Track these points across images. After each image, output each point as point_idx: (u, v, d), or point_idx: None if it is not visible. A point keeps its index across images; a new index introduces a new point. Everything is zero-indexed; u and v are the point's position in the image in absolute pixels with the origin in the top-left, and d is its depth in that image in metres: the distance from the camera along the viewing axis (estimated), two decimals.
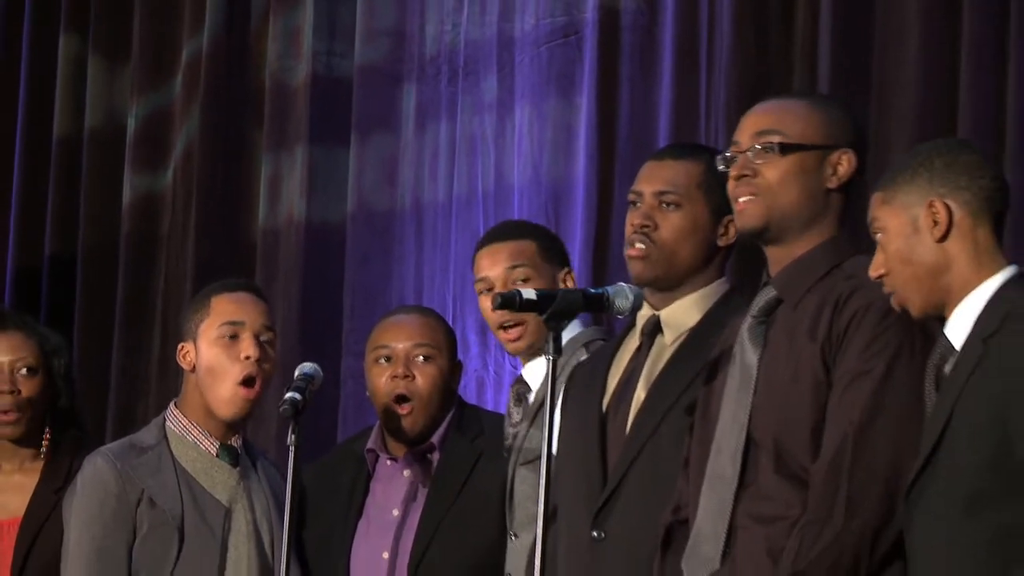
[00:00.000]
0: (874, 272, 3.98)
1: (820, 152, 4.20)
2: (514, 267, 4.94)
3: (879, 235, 4.00)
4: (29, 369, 5.39)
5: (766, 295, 4.18)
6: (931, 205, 3.99)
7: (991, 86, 4.87)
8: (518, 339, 4.92)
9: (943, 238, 3.96)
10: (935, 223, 3.97)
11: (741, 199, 4.20)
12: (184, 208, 6.89)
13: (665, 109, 5.67)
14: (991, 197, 4.03)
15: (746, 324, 4.17)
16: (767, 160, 4.18)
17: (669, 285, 4.47)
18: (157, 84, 7.08)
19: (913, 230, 3.98)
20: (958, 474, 3.89)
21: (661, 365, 4.44)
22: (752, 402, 4.09)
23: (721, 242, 4.49)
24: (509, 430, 4.94)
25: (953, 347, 3.98)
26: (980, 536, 3.85)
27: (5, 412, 5.35)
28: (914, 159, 4.14)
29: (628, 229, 4.49)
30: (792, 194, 4.19)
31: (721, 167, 4.25)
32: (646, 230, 4.45)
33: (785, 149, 4.18)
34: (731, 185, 4.21)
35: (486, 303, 4.94)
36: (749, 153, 4.19)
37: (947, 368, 3.97)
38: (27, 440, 5.41)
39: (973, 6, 4.94)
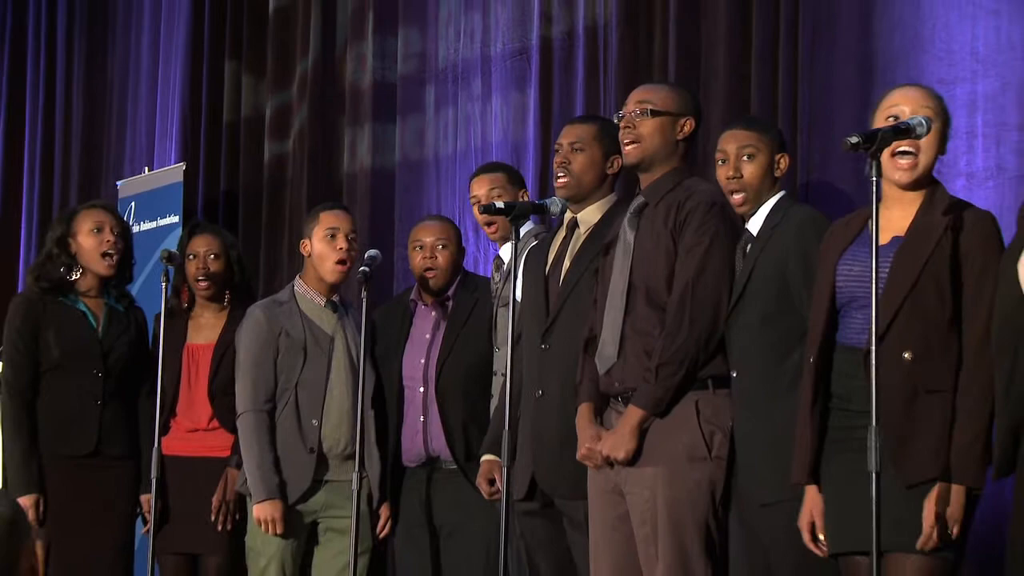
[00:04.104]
0: (746, 175, 4.01)
1: (673, 117, 4.17)
2: (492, 189, 4.92)
3: (750, 156, 4.02)
4: (215, 256, 5.34)
5: (638, 201, 4.17)
6: (782, 157, 4.05)
7: (769, 81, 4.86)
8: (495, 232, 4.91)
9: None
10: (780, 167, 4.05)
11: (626, 142, 4.18)
12: (300, 163, 6.83)
13: (579, 97, 5.63)
14: None
15: (626, 218, 4.16)
16: (642, 119, 4.15)
17: (579, 199, 4.42)
18: (282, 89, 7.02)
19: (773, 165, 4.03)
20: (757, 303, 3.93)
21: (578, 246, 4.40)
22: (631, 263, 4.08)
23: (610, 172, 4.44)
24: (493, 286, 4.93)
25: (752, 235, 4.01)
26: (769, 337, 3.90)
27: (201, 281, 5.32)
28: (768, 122, 4.33)
29: (555, 166, 4.47)
30: (655, 142, 4.16)
31: (616, 120, 4.23)
32: (564, 166, 4.42)
33: (654, 113, 4.15)
34: (621, 133, 4.18)
35: (476, 211, 4.97)
36: (632, 114, 4.16)
37: (748, 247, 4.00)
38: (216, 300, 5.36)
39: (759, 30, 4.92)
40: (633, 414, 3.98)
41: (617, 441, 3.98)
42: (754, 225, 4.02)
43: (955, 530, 3.40)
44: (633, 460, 3.98)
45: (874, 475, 3.27)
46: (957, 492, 3.40)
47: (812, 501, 3.61)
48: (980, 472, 3.39)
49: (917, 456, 3.43)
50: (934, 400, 3.44)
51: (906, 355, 3.44)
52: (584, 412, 4.14)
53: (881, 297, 3.44)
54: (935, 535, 3.39)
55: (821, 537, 3.60)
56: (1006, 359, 3.26)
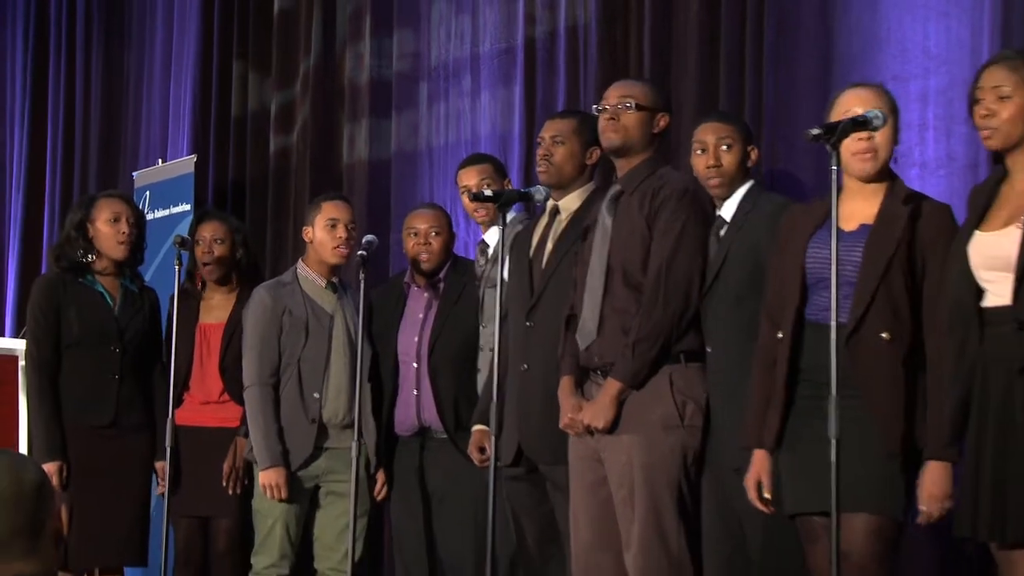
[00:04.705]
0: (725, 163, 4.01)
1: (652, 112, 4.16)
2: (482, 179, 4.91)
3: (728, 146, 4.01)
4: (220, 240, 5.34)
5: (615, 189, 4.17)
6: (752, 149, 4.09)
7: (737, 78, 4.87)
8: (484, 218, 4.90)
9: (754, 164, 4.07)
10: (751, 157, 4.06)
11: (609, 132, 4.16)
12: (303, 154, 6.81)
13: (561, 93, 5.63)
14: None
15: (604, 205, 4.15)
16: (626, 112, 4.14)
17: (560, 187, 4.42)
18: (286, 86, 6.99)
19: (745, 155, 4.06)
20: (731, 285, 3.94)
21: (560, 231, 4.39)
22: (608, 247, 4.08)
23: (588, 162, 4.44)
24: (478, 269, 4.92)
25: (725, 220, 4.02)
26: (741, 317, 3.89)
27: (207, 264, 5.33)
28: (738, 116, 4.32)
29: (538, 157, 4.46)
30: (636, 133, 4.15)
31: (595, 111, 4.20)
32: (546, 157, 4.41)
33: (637, 108, 4.14)
34: (604, 123, 4.15)
35: (466, 199, 4.95)
36: (618, 107, 4.14)
37: (722, 232, 4.00)
38: (223, 281, 5.37)
39: (727, 32, 4.92)
40: (612, 386, 3.98)
41: (597, 411, 3.99)
42: (727, 211, 4.03)
43: (941, 507, 3.38)
44: (611, 429, 3.99)
45: (833, 441, 3.28)
46: (940, 469, 3.38)
47: (760, 463, 3.62)
48: (955, 448, 3.38)
49: (897, 430, 3.42)
50: (909, 378, 3.44)
51: (884, 335, 3.44)
52: (566, 384, 4.13)
53: (857, 281, 3.46)
54: (933, 512, 3.38)
55: (767, 496, 3.61)
56: (957, 334, 3.27)
